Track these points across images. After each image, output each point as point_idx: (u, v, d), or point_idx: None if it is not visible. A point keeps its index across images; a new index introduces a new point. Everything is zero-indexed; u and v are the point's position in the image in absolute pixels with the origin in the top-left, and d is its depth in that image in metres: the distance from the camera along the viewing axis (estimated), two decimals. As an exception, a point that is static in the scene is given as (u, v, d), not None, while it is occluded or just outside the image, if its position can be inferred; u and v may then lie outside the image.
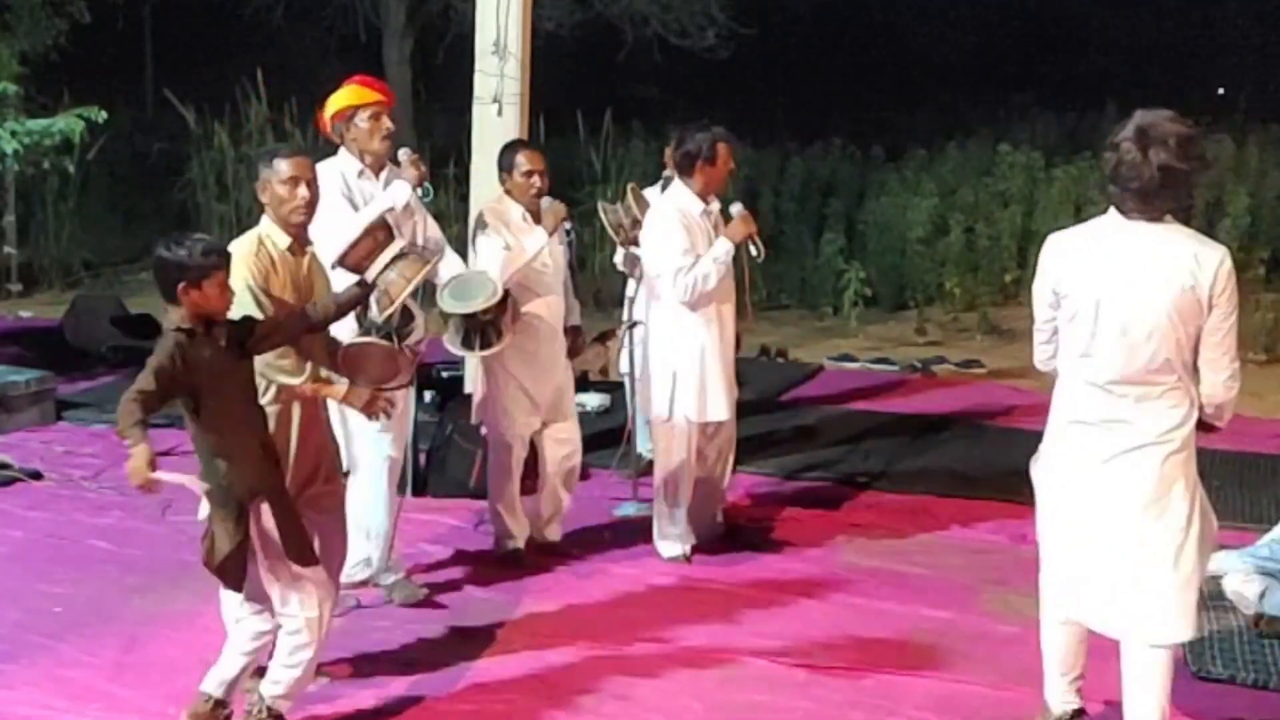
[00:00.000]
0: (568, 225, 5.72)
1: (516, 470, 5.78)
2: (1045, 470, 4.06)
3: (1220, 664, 4.79)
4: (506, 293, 5.45)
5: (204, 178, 13.95)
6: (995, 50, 21.81)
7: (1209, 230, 12.84)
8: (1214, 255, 3.76)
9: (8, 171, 11.65)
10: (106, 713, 4.36)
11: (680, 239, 5.55)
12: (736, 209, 5.73)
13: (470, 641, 4.99)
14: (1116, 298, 3.79)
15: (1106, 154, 3.82)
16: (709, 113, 6.73)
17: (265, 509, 3.94)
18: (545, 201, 5.64)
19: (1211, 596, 5.25)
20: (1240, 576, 5.10)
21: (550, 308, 5.71)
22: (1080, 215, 12.58)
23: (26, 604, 5.21)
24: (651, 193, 6.69)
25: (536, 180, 5.62)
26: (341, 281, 4.36)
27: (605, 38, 16.46)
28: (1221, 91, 22.35)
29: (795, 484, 6.96)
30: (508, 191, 5.68)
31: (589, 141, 13.93)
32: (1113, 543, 3.86)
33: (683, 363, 5.66)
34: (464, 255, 5.75)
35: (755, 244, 5.68)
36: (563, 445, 5.84)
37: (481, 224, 5.61)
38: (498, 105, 6.88)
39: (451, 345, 5.61)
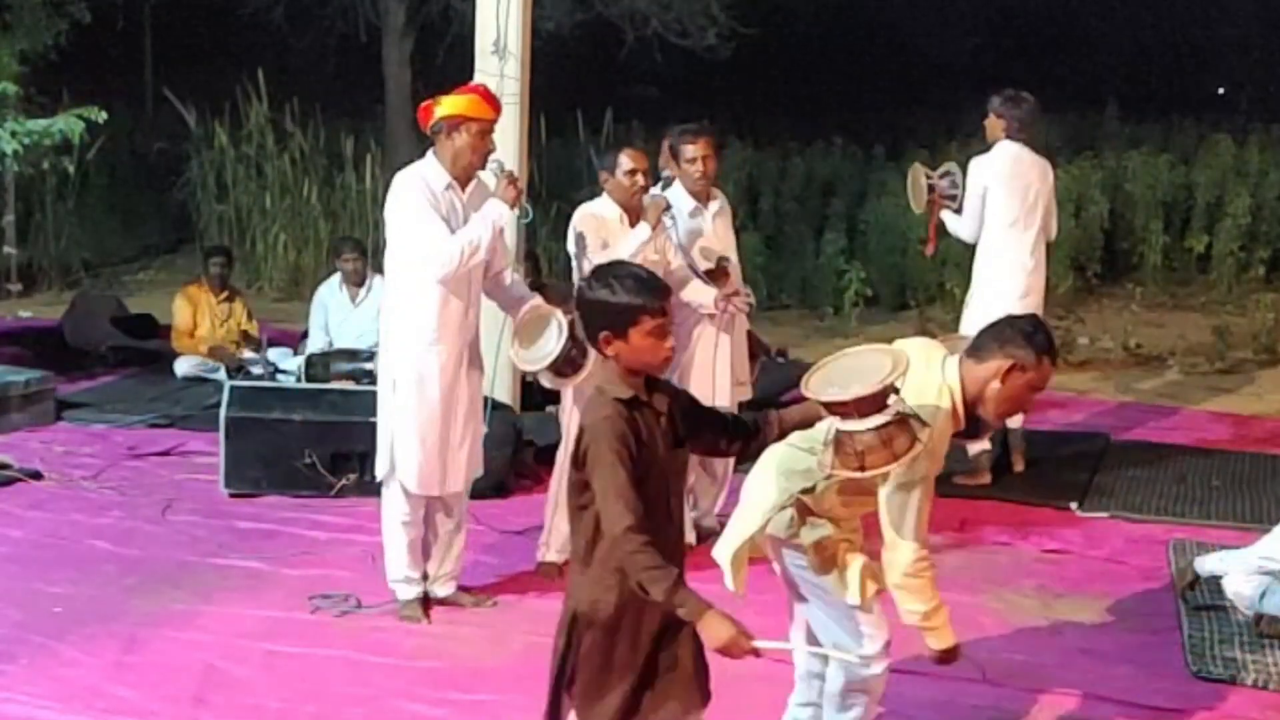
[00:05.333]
0: (670, 220, 5.67)
1: None
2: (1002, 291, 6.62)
3: (1220, 664, 4.79)
4: (572, 322, 5.00)
5: (204, 178, 13.96)
6: (996, 50, 21.79)
7: (1210, 230, 12.89)
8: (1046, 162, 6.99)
9: (7, 171, 11.66)
10: (106, 713, 4.36)
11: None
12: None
13: (468, 641, 4.99)
14: (1040, 186, 6.89)
15: (1002, 113, 6.82)
16: (709, 113, 6.75)
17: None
18: (646, 197, 5.59)
19: (1212, 596, 5.25)
20: (1240, 576, 5.09)
21: None
22: (1081, 214, 12.61)
23: (26, 604, 5.21)
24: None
25: (640, 179, 5.58)
26: None
27: (605, 38, 16.44)
28: (1221, 91, 22.37)
29: (795, 484, 6.94)
30: (608, 193, 5.61)
31: (589, 141, 13.93)
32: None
33: None
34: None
35: None
36: None
37: (580, 241, 5.51)
38: (498, 105, 6.86)
39: (544, 381, 5.11)
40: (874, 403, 3.14)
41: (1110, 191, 13.26)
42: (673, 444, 3.14)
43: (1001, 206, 6.71)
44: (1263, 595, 5.01)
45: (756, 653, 2.98)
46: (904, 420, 3.18)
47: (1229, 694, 4.62)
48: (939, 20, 22.52)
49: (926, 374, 3.47)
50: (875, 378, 3.15)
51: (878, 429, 3.15)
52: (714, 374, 5.83)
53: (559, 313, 4.87)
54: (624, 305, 3.03)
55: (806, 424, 3.47)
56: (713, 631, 2.94)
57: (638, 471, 2.99)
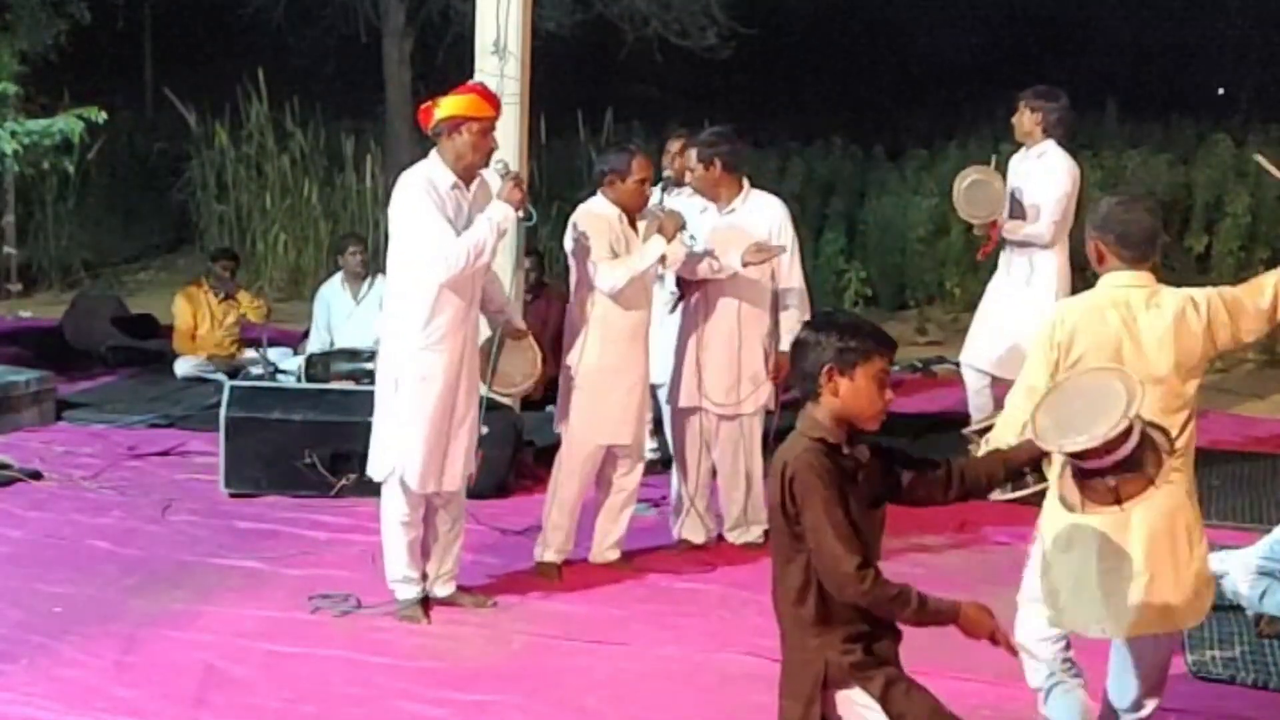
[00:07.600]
0: (690, 235, 5.63)
1: (576, 485, 5.64)
2: None
3: (1220, 664, 4.79)
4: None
5: (204, 178, 13.96)
6: (996, 50, 21.76)
7: (1209, 230, 12.89)
8: None
9: (7, 171, 11.67)
10: (106, 713, 4.36)
11: None
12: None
13: (468, 641, 4.99)
14: None
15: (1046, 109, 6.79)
16: (709, 113, 6.74)
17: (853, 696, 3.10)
18: (656, 208, 5.58)
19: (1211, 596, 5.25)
20: (1240, 576, 5.09)
21: (637, 318, 5.56)
22: (1080, 215, 12.57)
23: (26, 604, 5.21)
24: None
25: (648, 188, 5.58)
26: None
27: (605, 38, 16.43)
28: (1221, 91, 22.35)
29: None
30: (611, 194, 5.52)
31: (589, 141, 13.93)
32: None
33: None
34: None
35: None
36: (619, 491, 5.77)
37: (583, 242, 5.47)
38: (498, 105, 6.87)
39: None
40: (1121, 437, 2.95)
41: (1109, 191, 13.24)
42: (869, 503, 3.04)
43: (1070, 210, 6.84)
44: (1263, 595, 5.01)
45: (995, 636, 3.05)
46: (1147, 438, 2.99)
47: (1229, 694, 4.62)
48: (939, 20, 22.50)
49: (1161, 309, 3.52)
50: (1115, 409, 2.94)
51: (1127, 459, 2.98)
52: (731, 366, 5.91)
53: (536, 348, 5.53)
54: (857, 343, 2.98)
55: (995, 475, 3.27)
56: (976, 623, 3.03)
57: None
